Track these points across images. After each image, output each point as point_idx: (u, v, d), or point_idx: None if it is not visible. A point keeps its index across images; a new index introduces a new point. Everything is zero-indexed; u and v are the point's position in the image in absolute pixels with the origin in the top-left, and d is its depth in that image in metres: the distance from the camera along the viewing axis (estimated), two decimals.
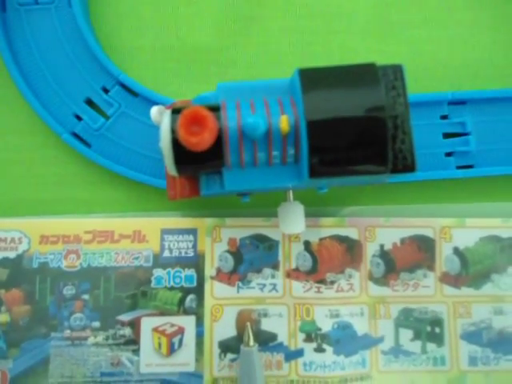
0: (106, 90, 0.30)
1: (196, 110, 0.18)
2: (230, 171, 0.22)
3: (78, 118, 0.30)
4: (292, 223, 0.25)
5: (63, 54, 0.30)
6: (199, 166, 0.21)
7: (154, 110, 0.25)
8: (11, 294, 0.28)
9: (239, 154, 0.21)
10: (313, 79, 0.20)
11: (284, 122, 0.20)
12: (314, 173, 0.20)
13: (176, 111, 0.21)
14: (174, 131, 0.21)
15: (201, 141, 0.18)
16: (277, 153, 0.21)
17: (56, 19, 0.30)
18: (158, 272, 0.29)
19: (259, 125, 0.20)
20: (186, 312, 0.28)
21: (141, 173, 0.29)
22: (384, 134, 0.20)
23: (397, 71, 0.22)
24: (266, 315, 0.29)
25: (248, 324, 0.27)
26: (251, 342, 0.27)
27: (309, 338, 0.28)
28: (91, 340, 0.28)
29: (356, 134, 0.20)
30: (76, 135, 0.29)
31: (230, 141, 0.21)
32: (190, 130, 0.18)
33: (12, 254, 0.28)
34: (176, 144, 0.21)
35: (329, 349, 0.28)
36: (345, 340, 0.29)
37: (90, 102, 0.30)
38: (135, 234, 0.29)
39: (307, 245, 0.29)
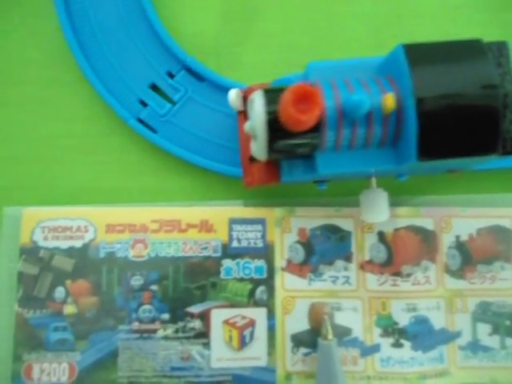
0: (171, 75, 0.29)
1: (304, 87, 0.17)
2: (323, 154, 0.21)
3: (143, 103, 0.29)
4: (376, 211, 0.24)
5: (128, 37, 0.29)
6: (294, 148, 0.20)
7: (233, 94, 0.25)
8: (77, 285, 0.27)
9: (337, 135, 0.20)
10: (419, 55, 0.19)
11: (390, 100, 0.19)
12: (423, 154, 0.19)
13: (270, 91, 0.20)
14: (269, 112, 0.20)
15: (310, 118, 0.17)
16: (376, 134, 0.20)
17: (120, 2, 0.29)
18: (227, 263, 0.28)
19: (364, 102, 0.19)
20: (257, 304, 0.27)
21: (208, 159, 0.28)
22: (496, 112, 0.19)
23: (502, 48, 0.20)
24: (339, 309, 0.27)
25: (326, 317, 0.26)
26: (330, 336, 0.25)
27: (385, 333, 0.27)
28: (160, 333, 0.27)
29: (467, 112, 0.19)
30: (141, 121, 0.28)
31: (328, 121, 0.20)
32: (298, 108, 0.17)
33: (78, 243, 0.28)
34: (271, 124, 0.20)
35: (406, 344, 0.27)
36: (422, 335, 0.27)
37: (154, 88, 0.29)
38: (202, 224, 0.28)
39: (381, 236, 0.28)
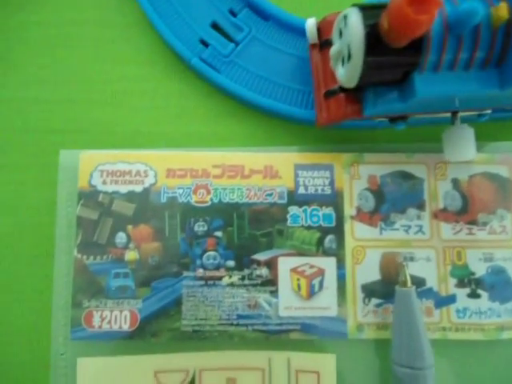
0: (233, 14, 0.27)
1: None
2: (421, 75, 0.19)
3: (205, 44, 0.27)
4: (462, 149, 0.23)
5: None
6: (391, 67, 0.19)
7: (311, 23, 0.23)
8: (139, 230, 0.26)
9: (440, 53, 0.18)
10: None
11: (503, 10, 0.17)
12: None
13: (364, 7, 0.19)
14: (368, 25, 0.18)
15: (429, 19, 0.16)
16: (481, 52, 0.19)
17: None
18: (294, 210, 0.26)
19: (476, 11, 0.17)
20: (326, 253, 0.26)
21: (273, 100, 0.27)
22: None
23: None
24: (412, 259, 0.26)
25: (404, 263, 0.25)
26: (409, 283, 0.24)
27: (461, 284, 0.26)
28: (226, 280, 0.26)
29: None
30: (204, 61, 0.27)
31: (433, 35, 0.18)
32: (413, 9, 0.16)
33: (138, 188, 0.26)
34: (370, 39, 0.18)
35: (484, 294, 0.26)
36: (499, 286, 0.26)
37: (215, 27, 0.27)
38: (267, 170, 0.27)
39: (456, 183, 0.27)
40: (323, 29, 0.24)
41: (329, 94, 0.23)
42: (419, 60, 0.18)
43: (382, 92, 0.22)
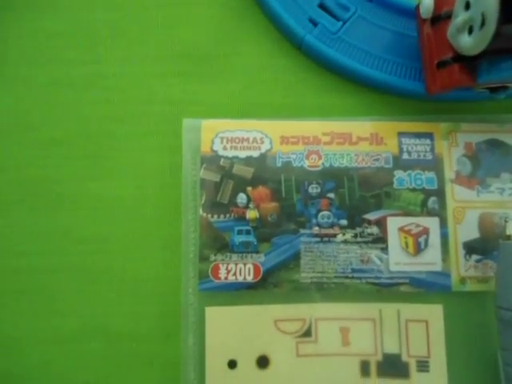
0: None
1: None
2: None
3: (313, 23, 0.30)
4: None
5: None
6: None
7: (428, 1, 0.26)
8: (258, 192, 0.28)
9: None
10: None
11: None
12: None
13: None
14: None
15: None
16: None
17: None
18: (399, 174, 0.29)
19: None
20: (429, 213, 0.28)
21: (380, 72, 0.29)
22: None
23: None
24: (506, 219, 0.28)
25: (508, 219, 0.27)
26: None
27: None
28: (340, 237, 0.28)
29: None
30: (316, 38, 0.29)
31: None
32: None
33: (255, 154, 0.29)
34: (505, 8, 0.21)
35: None
36: None
37: (322, 8, 0.30)
38: (373, 137, 0.29)
39: None
40: (437, 5, 0.26)
41: (442, 65, 0.26)
42: None
43: (496, 61, 0.24)
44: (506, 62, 0.24)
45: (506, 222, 0.27)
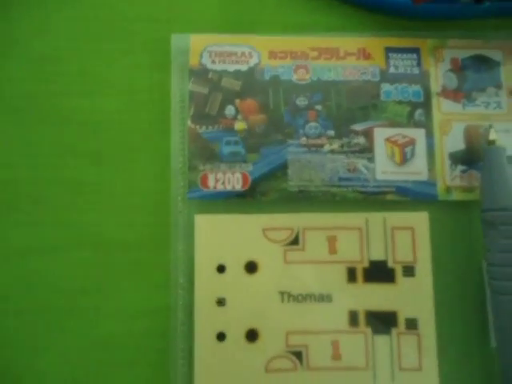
0: None
1: None
2: None
3: None
4: None
5: None
6: None
7: None
8: (246, 104, 0.28)
9: None
10: None
11: None
12: None
13: None
14: None
15: None
16: None
17: None
18: (386, 87, 0.29)
19: None
20: (416, 125, 0.29)
21: None
22: None
23: None
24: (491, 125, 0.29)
25: (490, 125, 0.27)
26: (497, 140, 0.27)
27: None
28: (327, 147, 0.28)
29: None
30: None
31: None
32: None
33: (244, 67, 0.29)
34: None
35: None
36: None
37: None
38: (360, 52, 0.29)
39: None
40: None
41: None
42: None
43: None
44: None
45: (490, 127, 0.27)
